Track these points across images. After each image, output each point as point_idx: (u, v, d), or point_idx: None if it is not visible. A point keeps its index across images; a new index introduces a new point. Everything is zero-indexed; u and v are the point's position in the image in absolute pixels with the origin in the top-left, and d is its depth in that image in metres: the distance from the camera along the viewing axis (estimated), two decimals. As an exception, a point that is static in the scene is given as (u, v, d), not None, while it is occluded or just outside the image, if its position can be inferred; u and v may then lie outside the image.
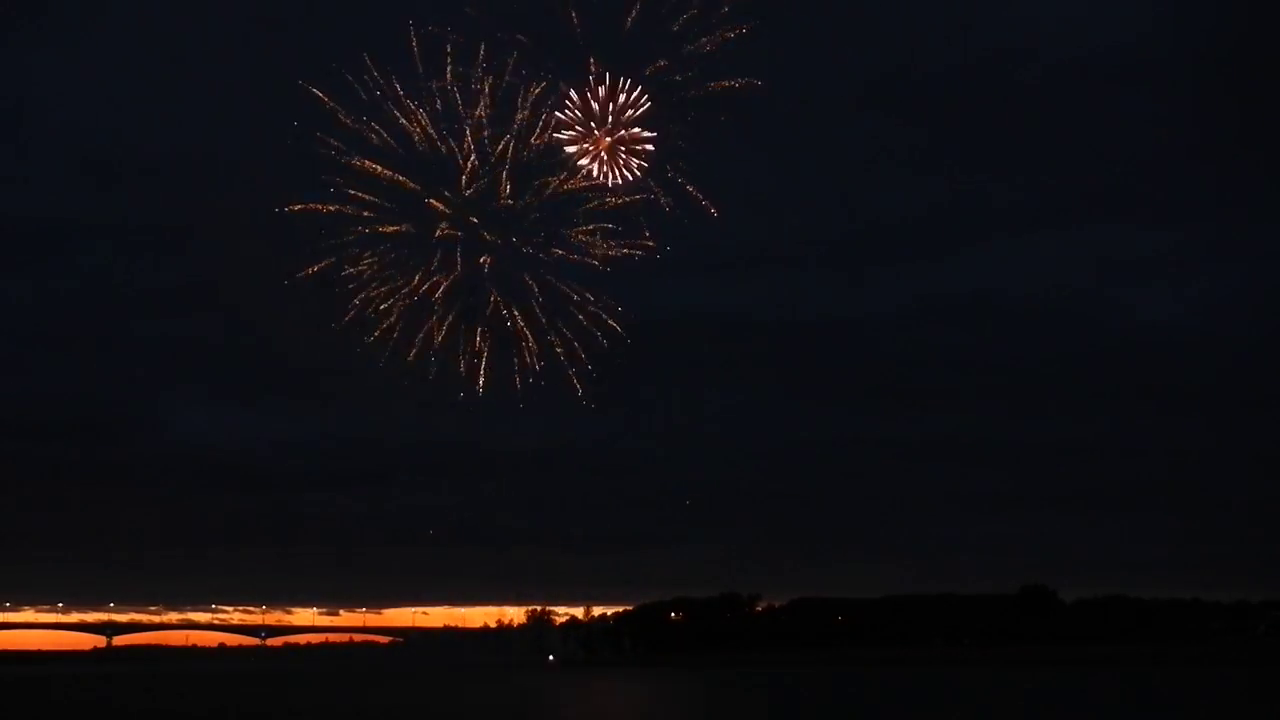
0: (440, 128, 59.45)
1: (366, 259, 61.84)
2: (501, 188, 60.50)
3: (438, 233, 61.59)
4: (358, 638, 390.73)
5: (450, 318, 63.00)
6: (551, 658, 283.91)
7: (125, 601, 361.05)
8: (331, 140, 59.55)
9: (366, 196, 60.80)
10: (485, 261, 62.16)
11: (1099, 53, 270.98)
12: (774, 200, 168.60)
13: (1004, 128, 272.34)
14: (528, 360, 63.56)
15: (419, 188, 60.97)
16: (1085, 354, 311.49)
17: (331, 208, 60.55)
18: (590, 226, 61.51)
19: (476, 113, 59.09)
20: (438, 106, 59.15)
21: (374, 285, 62.06)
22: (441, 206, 61.18)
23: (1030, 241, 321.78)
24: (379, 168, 60.04)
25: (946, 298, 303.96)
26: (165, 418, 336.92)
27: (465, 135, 59.66)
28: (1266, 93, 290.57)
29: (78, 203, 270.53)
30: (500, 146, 59.70)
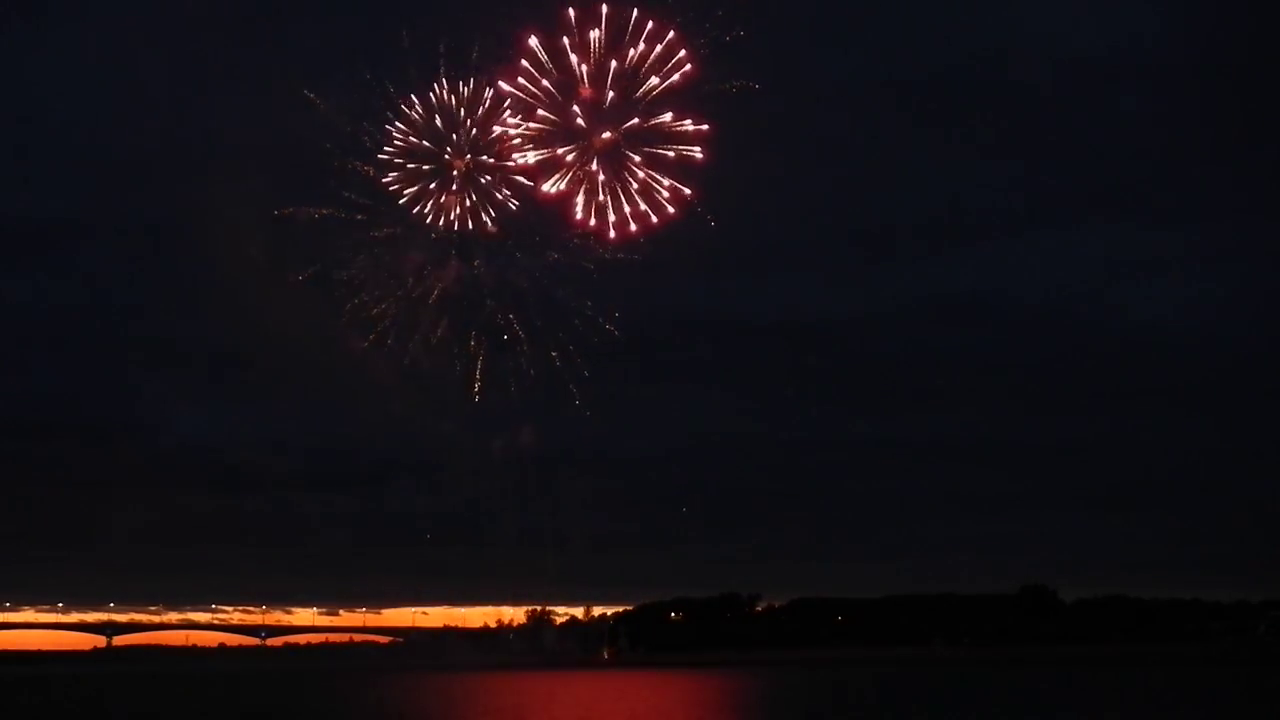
0: (434, 130, 59.40)
1: (359, 262, 61.86)
2: (498, 188, 60.28)
3: (433, 235, 61.50)
4: (358, 638, 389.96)
5: (445, 321, 62.97)
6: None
7: (125, 601, 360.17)
8: (325, 144, 59.61)
9: (360, 199, 60.80)
10: (479, 264, 62.06)
11: (1099, 53, 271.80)
12: (774, 200, 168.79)
13: (1004, 128, 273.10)
14: (524, 364, 63.51)
15: (414, 189, 60.87)
16: (1085, 354, 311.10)
17: (324, 211, 60.53)
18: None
19: (471, 114, 58.96)
20: (432, 108, 59.11)
21: (368, 288, 62.05)
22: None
23: (1030, 241, 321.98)
24: (372, 170, 60.02)
25: (946, 298, 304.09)
26: (165, 418, 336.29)
27: (459, 136, 59.61)
28: (1268, 92, 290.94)
29: (78, 203, 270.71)
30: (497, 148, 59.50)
